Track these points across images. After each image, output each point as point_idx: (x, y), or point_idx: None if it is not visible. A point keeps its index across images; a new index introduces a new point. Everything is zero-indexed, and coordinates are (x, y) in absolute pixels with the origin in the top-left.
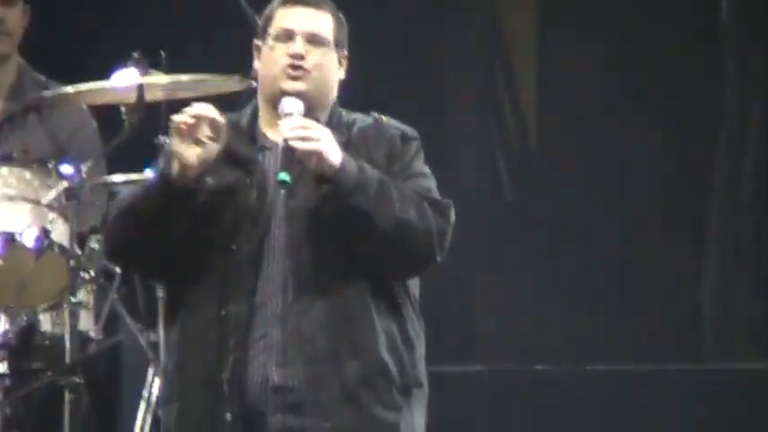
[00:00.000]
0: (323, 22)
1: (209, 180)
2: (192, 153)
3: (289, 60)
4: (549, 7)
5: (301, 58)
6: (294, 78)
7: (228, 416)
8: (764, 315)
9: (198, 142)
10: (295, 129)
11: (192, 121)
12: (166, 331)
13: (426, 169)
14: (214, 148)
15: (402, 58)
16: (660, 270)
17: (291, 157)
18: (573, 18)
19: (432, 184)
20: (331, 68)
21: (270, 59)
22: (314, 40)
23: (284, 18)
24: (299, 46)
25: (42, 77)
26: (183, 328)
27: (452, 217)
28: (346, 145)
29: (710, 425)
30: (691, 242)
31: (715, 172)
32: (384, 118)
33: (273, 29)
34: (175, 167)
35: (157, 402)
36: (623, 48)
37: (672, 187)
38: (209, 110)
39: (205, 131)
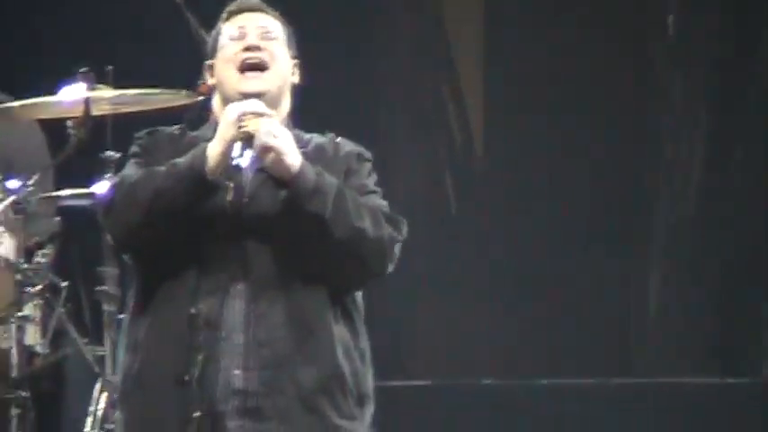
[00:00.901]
0: (273, 23)
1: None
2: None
3: (244, 55)
4: (494, 23)
5: (257, 48)
6: (252, 78)
7: (197, 413)
8: (695, 330)
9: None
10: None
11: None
12: (131, 329)
13: (379, 189)
14: None
15: (347, 74)
16: (595, 284)
17: (248, 145)
18: (518, 34)
19: (385, 202)
20: (287, 67)
21: (225, 60)
22: (267, 36)
23: (235, 22)
24: (252, 38)
25: None
26: (152, 324)
27: (405, 231)
28: (305, 156)
29: None
30: (627, 257)
31: (659, 184)
32: (339, 138)
33: (225, 34)
34: (218, 150)
35: (104, 416)
36: (568, 63)
37: (614, 202)
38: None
39: None
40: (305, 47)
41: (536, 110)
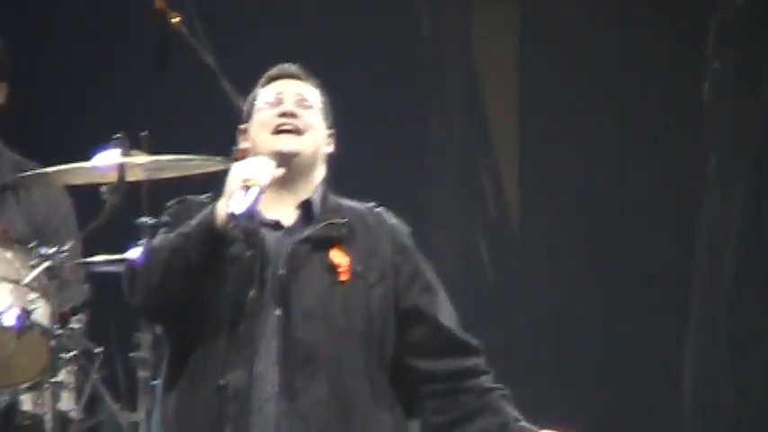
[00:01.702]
0: (311, 91)
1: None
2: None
3: (279, 120)
4: (530, 88)
5: (293, 115)
6: (288, 133)
7: None
8: (742, 401)
9: None
10: None
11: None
12: (162, 402)
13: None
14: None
15: (386, 146)
16: (641, 355)
17: (246, 195)
18: (555, 101)
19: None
20: (321, 136)
21: (260, 125)
22: (303, 103)
23: (273, 88)
24: (289, 105)
25: (18, 157)
26: (181, 396)
27: None
28: (348, 226)
29: None
30: (674, 326)
31: (696, 258)
32: (379, 207)
33: (261, 99)
34: (226, 204)
35: None
36: (605, 129)
37: (654, 274)
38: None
39: None
40: (347, 116)
41: (567, 183)
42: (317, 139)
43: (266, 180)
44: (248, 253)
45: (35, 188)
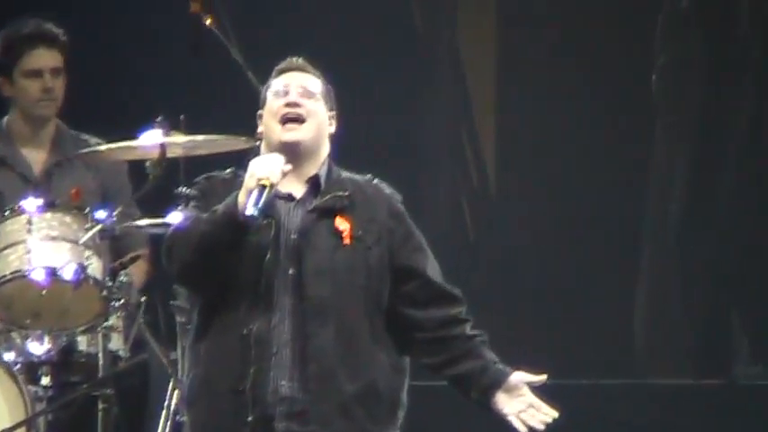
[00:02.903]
0: (312, 81)
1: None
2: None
3: (285, 110)
4: (507, 74)
5: (296, 105)
6: (291, 129)
7: (251, 417)
8: (688, 338)
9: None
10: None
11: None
12: (194, 346)
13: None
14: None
15: (383, 121)
16: (599, 298)
17: (261, 195)
18: (528, 83)
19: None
20: (323, 120)
21: (269, 114)
22: (306, 93)
23: (281, 80)
24: (293, 96)
25: (73, 132)
26: (211, 343)
27: None
28: (349, 197)
29: None
30: (627, 274)
31: (647, 214)
32: (375, 179)
33: (271, 90)
34: (244, 197)
35: (176, 410)
36: (571, 108)
37: (611, 229)
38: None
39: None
40: (348, 97)
41: (539, 148)
42: (318, 124)
43: (277, 177)
44: (264, 222)
45: (98, 160)
